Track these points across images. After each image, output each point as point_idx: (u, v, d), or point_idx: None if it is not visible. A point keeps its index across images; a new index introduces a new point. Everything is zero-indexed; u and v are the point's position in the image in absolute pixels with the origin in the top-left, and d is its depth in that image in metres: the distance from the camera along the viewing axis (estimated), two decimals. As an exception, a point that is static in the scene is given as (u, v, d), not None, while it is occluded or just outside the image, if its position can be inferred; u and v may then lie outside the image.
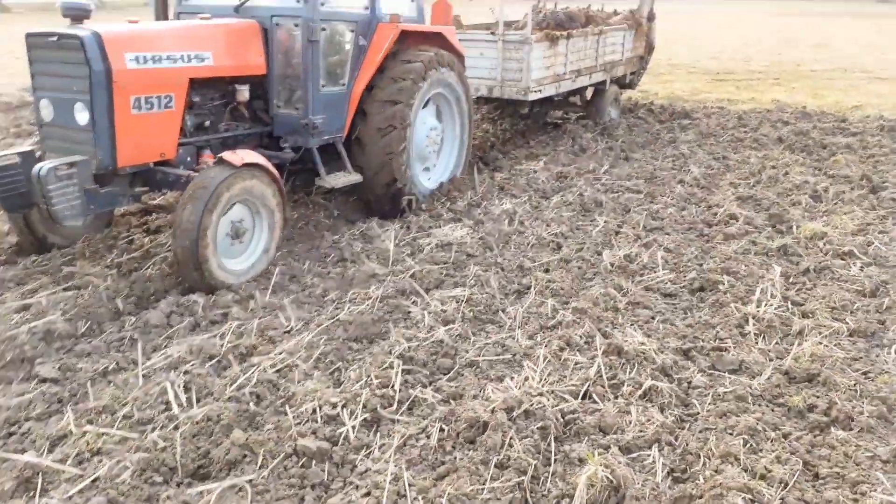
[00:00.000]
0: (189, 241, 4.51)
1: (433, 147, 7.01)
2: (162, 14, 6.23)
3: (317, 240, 5.95)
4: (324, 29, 5.65)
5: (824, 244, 5.77)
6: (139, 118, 4.78)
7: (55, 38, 4.64)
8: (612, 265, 5.30)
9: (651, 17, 12.00)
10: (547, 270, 5.29)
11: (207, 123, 5.52)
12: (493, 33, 8.81)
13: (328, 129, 5.87)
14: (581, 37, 9.79)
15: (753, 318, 4.46)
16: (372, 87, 6.19)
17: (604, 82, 10.76)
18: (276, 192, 5.08)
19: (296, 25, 5.54)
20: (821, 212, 6.83)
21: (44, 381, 3.74)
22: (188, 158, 5.28)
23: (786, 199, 7.26)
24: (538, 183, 7.72)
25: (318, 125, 5.66)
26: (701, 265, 5.34)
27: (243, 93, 5.58)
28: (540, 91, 9.04)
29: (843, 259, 5.50)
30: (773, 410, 3.54)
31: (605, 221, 6.42)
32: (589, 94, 11.14)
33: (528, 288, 4.98)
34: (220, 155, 4.89)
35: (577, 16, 11.39)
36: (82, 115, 4.61)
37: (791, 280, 5.13)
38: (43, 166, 4.35)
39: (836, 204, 7.15)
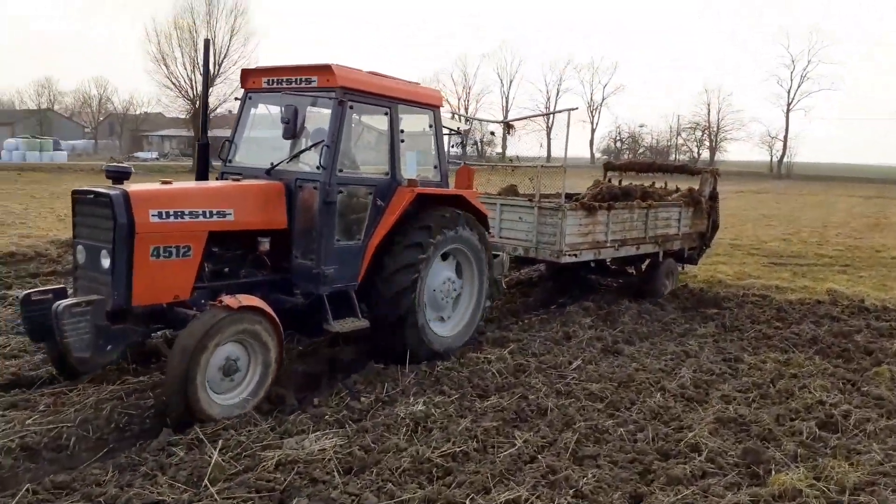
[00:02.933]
0: (176, 382, 4.91)
1: (449, 297, 7.34)
2: (202, 175, 6.88)
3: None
4: (341, 192, 6.29)
5: (795, 509, 4.16)
6: (156, 264, 5.37)
7: (92, 196, 5.41)
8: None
9: (713, 196, 11.97)
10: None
11: (226, 270, 6.20)
12: (530, 201, 9.55)
13: (339, 278, 6.36)
14: (625, 209, 10.19)
15: None
16: (389, 242, 6.66)
17: (656, 254, 10.89)
18: (273, 334, 5.42)
19: (315, 188, 6.14)
20: (821, 451, 5.16)
21: None
22: (203, 300, 5.68)
23: (784, 425, 5.65)
24: (485, 378, 6.48)
25: (328, 274, 6.20)
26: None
27: (265, 244, 6.16)
28: (576, 256, 9.48)
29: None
30: None
31: (526, 440, 5.06)
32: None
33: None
34: (221, 298, 5.27)
35: (633, 190, 11.72)
36: (105, 261, 5.24)
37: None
38: (61, 303, 4.96)
39: (851, 437, 5.47)
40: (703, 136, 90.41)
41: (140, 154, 71.41)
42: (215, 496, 3.96)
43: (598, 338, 8.06)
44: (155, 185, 5.82)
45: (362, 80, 6.56)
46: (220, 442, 4.72)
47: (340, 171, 6.29)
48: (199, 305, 5.65)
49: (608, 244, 9.94)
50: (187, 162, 52.77)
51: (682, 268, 12.18)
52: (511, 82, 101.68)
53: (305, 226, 6.26)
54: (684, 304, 10.42)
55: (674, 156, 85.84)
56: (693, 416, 5.75)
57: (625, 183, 12.55)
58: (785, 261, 16.20)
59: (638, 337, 8.42)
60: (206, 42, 7.61)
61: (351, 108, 6.42)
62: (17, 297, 8.46)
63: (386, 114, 6.80)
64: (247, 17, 52.07)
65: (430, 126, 7.38)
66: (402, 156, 6.87)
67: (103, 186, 5.46)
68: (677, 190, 12.11)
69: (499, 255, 8.81)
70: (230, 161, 6.99)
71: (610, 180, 12.78)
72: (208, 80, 7.72)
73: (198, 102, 51.04)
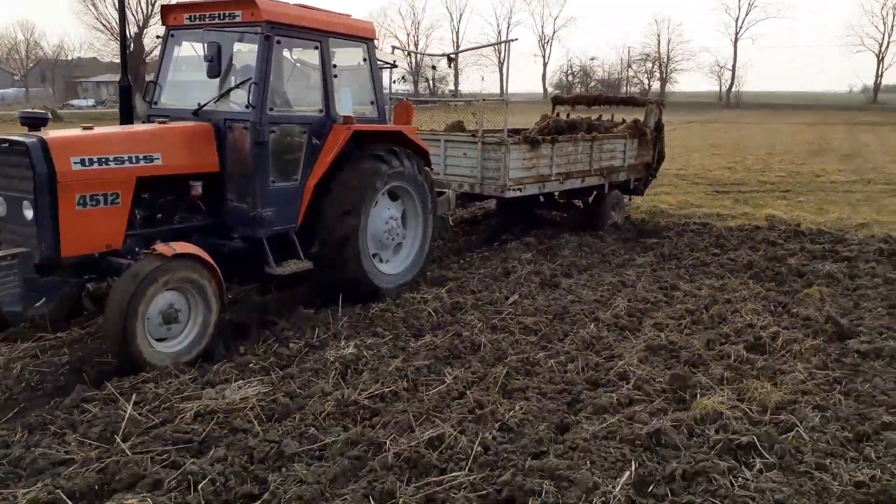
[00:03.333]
0: (115, 332, 4.89)
1: (393, 235, 7.32)
2: (126, 119, 6.73)
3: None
4: (273, 131, 6.13)
5: (716, 430, 4.20)
6: (83, 213, 5.22)
7: (7, 145, 5.19)
8: (398, 456, 3.83)
9: (659, 128, 11.97)
10: (307, 463, 3.88)
11: (159, 216, 6.02)
12: (474, 136, 9.56)
13: (278, 221, 6.28)
14: (570, 142, 10.20)
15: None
16: (327, 181, 6.53)
17: (602, 186, 10.92)
18: (212, 281, 5.38)
19: (245, 128, 5.97)
20: (748, 373, 5.24)
21: None
22: (136, 249, 5.60)
23: (713, 350, 5.72)
24: (420, 317, 6.39)
25: (266, 217, 6.10)
26: (525, 462, 3.81)
27: (197, 188, 5.98)
28: (520, 190, 9.49)
29: (734, 458, 3.91)
30: None
31: (456, 377, 5.01)
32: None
33: (266, 488, 3.56)
34: (152, 246, 5.23)
35: (579, 123, 11.76)
36: (28, 212, 5.09)
37: (643, 491, 3.58)
38: None
39: (778, 358, 5.57)
40: (653, 67, 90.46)
41: (75, 101, 68.17)
42: (127, 451, 3.81)
43: (537, 272, 8.02)
44: (75, 131, 5.65)
45: (289, 12, 6.32)
46: (137, 395, 4.55)
47: (271, 109, 6.13)
48: (133, 254, 5.53)
49: (553, 178, 9.97)
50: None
51: (629, 199, 12.28)
52: (461, 16, 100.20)
53: (238, 168, 6.11)
54: (625, 235, 10.46)
55: (625, 88, 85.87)
56: (624, 345, 5.77)
57: (573, 116, 12.59)
58: (728, 188, 16.40)
59: (577, 269, 8.42)
60: None
61: (278, 42, 6.23)
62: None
63: (316, 48, 6.57)
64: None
65: (365, 60, 7.14)
66: (336, 92, 6.69)
67: (18, 134, 5.23)
68: (623, 122, 12.05)
69: (444, 193, 8.81)
70: (156, 103, 6.74)
71: (558, 114, 12.67)
72: (125, 16, 7.33)
73: (131, 45, 48.74)
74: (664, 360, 5.46)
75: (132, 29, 48.15)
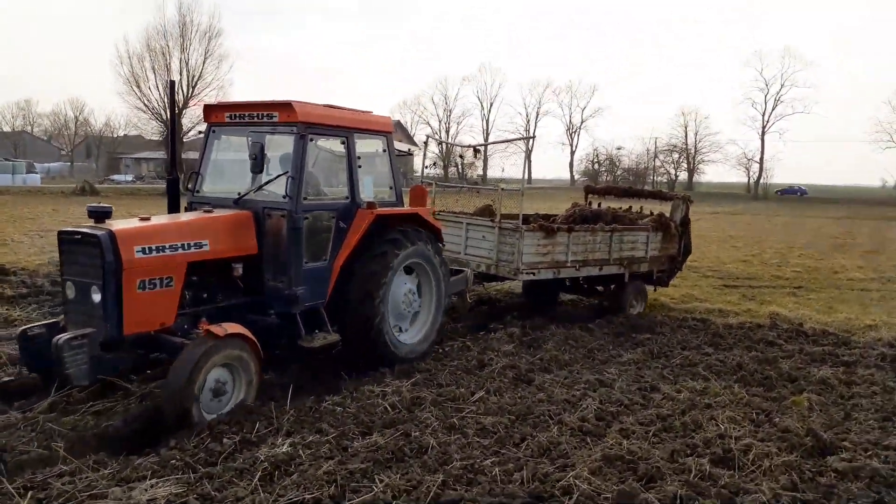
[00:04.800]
0: (175, 405, 5.42)
1: (411, 307, 7.94)
2: (174, 208, 7.28)
3: None
4: (307, 218, 6.78)
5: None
6: (143, 296, 5.82)
7: (80, 236, 5.81)
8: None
9: (685, 222, 12.25)
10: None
11: (205, 296, 6.67)
12: (492, 221, 10.16)
13: (310, 298, 6.87)
14: (587, 232, 10.63)
15: None
16: (353, 260, 7.15)
17: (622, 276, 11.18)
18: (254, 357, 5.94)
19: (282, 216, 6.61)
20: (706, 490, 4.82)
21: None
22: (185, 326, 6.24)
23: (676, 462, 5.31)
24: (373, 413, 6.09)
25: (299, 295, 6.70)
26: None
27: (238, 269, 6.65)
28: (533, 273, 9.99)
29: None
30: None
31: (387, 484, 4.67)
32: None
33: None
34: (206, 327, 5.76)
35: (604, 214, 12.16)
36: (96, 296, 5.66)
37: None
38: (61, 337, 5.40)
39: (745, 475, 5.14)
40: (679, 158, 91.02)
41: (116, 177, 70.84)
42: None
43: (513, 366, 7.71)
44: (134, 222, 6.23)
45: (320, 113, 7.05)
46: (43, 493, 4.31)
47: (305, 198, 6.79)
48: (183, 331, 6.20)
49: (569, 264, 10.36)
50: (162, 185, 52.34)
51: (654, 289, 12.40)
52: (491, 105, 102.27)
53: (275, 250, 6.73)
54: (617, 329, 10.10)
55: (651, 178, 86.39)
56: (581, 454, 5.39)
57: (604, 206, 13.04)
58: (739, 283, 15.99)
59: (557, 364, 8.08)
60: (171, 84, 8.47)
61: (311, 140, 6.94)
62: None
63: (343, 142, 7.31)
64: (220, 40, 51.86)
65: (384, 150, 7.91)
66: (360, 180, 7.36)
67: (88, 226, 5.85)
68: (650, 214, 12.30)
69: (464, 272, 9.73)
70: (198, 191, 7.40)
71: (590, 203, 13.30)
72: (175, 121, 7.86)
73: (170, 124, 50.81)
74: (619, 473, 5.06)
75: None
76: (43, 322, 6.41)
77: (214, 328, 5.73)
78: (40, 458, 4.84)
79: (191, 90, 51.30)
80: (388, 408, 6.24)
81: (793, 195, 77.92)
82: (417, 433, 5.65)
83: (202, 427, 5.45)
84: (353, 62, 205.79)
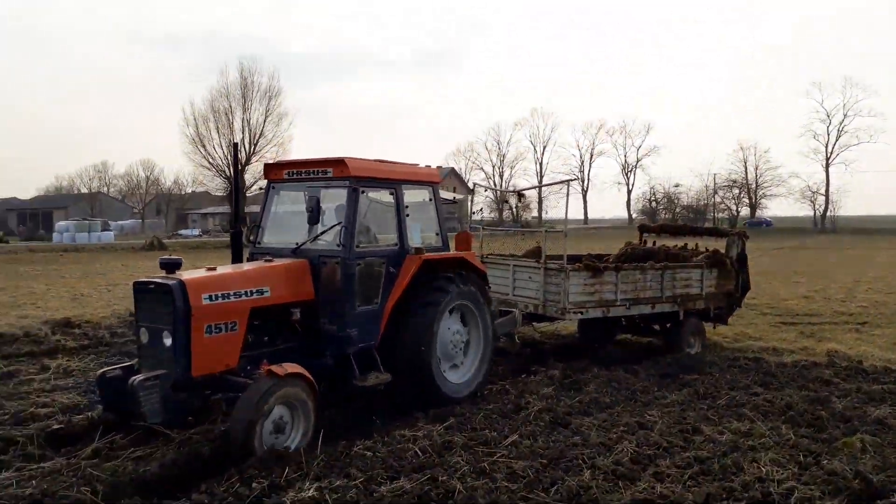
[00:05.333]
0: (240, 443, 5.78)
1: (458, 347, 8.23)
2: (237, 258, 7.81)
3: None
4: (359, 264, 7.25)
5: None
6: (210, 340, 6.26)
7: (153, 286, 6.29)
8: None
9: (742, 259, 12.12)
10: None
11: (266, 339, 7.08)
12: (538, 262, 10.37)
13: (362, 339, 7.27)
14: (636, 270, 10.67)
15: None
16: (403, 304, 7.54)
17: (676, 314, 11.12)
18: (311, 395, 6.30)
19: (336, 263, 7.08)
20: (739, 536, 4.63)
21: None
22: (248, 367, 6.64)
23: (710, 507, 5.11)
24: (403, 458, 6.10)
25: (353, 336, 7.12)
26: None
27: (296, 314, 7.08)
28: (580, 313, 10.13)
29: None
30: None
31: (409, 529, 4.66)
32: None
33: None
34: (269, 367, 6.11)
35: (656, 252, 12.35)
36: (168, 340, 6.12)
37: None
38: (136, 379, 5.88)
39: (784, 521, 4.91)
40: (740, 193, 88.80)
41: (183, 231, 73.85)
42: None
43: (550, 409, 7.60)
44: (202, 272, 6.67)
45: (371, 167, 7.59)
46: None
47: (357, 246, 7.24)
48: (246, 372, 6.59)
49: (618, 303, 10.40)
50: (226, 238, 54.22)
51: (714, 326, 12.33)
52: (544, 148, 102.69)
53: (330, 296, 7.13)
54: (663, 371, 9.83)
55: (712, 214, 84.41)
56: (612, 498, 5.26)
57: (659, 244, 13.16)
58: (798, 319, 15.41)
59: (597, 407, 7.92)
60: (235, 146, 9.61)
61: (363, 192, 7.41)
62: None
63: (392, 193, 7.77)
64: (279, 100, 53.92)
65: (430, 199, 8.40)
66: (408, 228, 7.79)
67: (160, 277, 6.35)
68: (706, 251, 12.21)
69: (511, 312, 10.01)
70: (259, 243, 7.99)
71: (644, 242, 13.45)
72: (238, 180, 8.38)
73: (233, 181, 52.79)
74: (648, 519, 4.92)
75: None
76: (119, 364, 6.90)
77: (276, 368, 6.09)
78: (79, 502, 5.02)
79: (252, 147, 53.30)
80: (419, 452, 6.23)
81: (758, 227, 74.19)
82: (445, 477, 5.61)
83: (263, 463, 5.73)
84: (407, 111, 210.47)
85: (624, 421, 7.29)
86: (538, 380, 8.91)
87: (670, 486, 5.48)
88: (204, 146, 52.48)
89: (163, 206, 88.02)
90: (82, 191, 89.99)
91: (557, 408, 7.69)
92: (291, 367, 6.24)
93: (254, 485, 5.40)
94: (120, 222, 76.14)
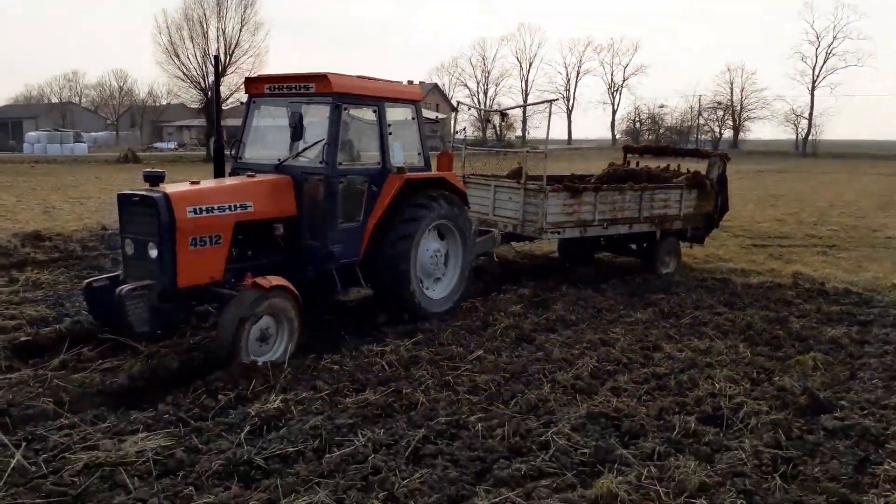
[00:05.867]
0: (226, 345, 6.02)
1: (438, 265, 8.47)
2: (219, 173, 7.73)
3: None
4: (341, 182, 7.27)
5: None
6: (195, 252, 6.34)
7: (137, 198, 6.29)
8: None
9: (722, 180, 12.17)
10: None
11: (250, 253, 7.20)
12: (518, 182, 10.35)
13: (345, 256, 7.44)
14: (615, 191, 10.71)
15: None
16: (384, 221, 7.64)
17: (652, 234, 11.22)
18: (296, 307, 6.51)
19: (319, 180, 7.09)
20: (690, 447, 4.83)
21: None
22: (233, 279, 6.72)
23: (662, 420, 5.31)
24: (370, 371, 6.23)
25: (335, 253, 7.27)
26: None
27: (279, 229, 7.18)
28: (558, 233, 10.25)
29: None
30: None
31: (370, 438, 4.79)
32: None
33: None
34: (254, 279, 6.31)
35: (638, 173, 12.24)
36: (153, 252, 6.19)
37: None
38: (123, 288, 5.94)
39: (732, 433, 5.13)
40: (724, 115, 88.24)
41: (159, 144, 72.15)
42: (-11, 503, 3.80)
43: (516, 326, 7.75)
44: (186, 185, 6.67)
45: (354, 84, 7.47)
46: (39, 444, 4.57)
47: (340, 164, 7.27)
48: (231, 285, 6.66)
49: (595, 223, 10.49)
50: (202, 152, 53.12)
51: (691, 246, 12.57)
52: (530, 65, 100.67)
53: (313, 212, 7.23)
54: (632, 290, 10.01)
55: (695, 136, 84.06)
56: (567, 411, 5.43)
57: (642, 165, 13.12)
58: (769, 242, 15.64)
59: (563, 325, 8.08)
60: (216, 58, 9.65)
61: (345, 109, 7.34)
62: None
63: (374, 111, 7.69)
64: (255, 9, 51.78)
65: (413, 118, 8.25)
66: (391, 146, 7.73)
67: (145, 189, 6.34)
68: (688, 172, 12.24)
69: (491, 232, 10.19)
70: (240, 157, 7.94)
71: (628, 162, 13.42)
72: (218, 92, 8.08)
73: (209, 93, 51.32)
74: (600, 430, 5.10)
75: (210, 78, 50.55)
76: (106, 275, 6.95)
77: (261, 280, 6.29)
78: (44, 413, 5.10)
79: (228, 58, 51.51)
80: (385, 366, 6.36)
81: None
82: (409, 390, 5.76)
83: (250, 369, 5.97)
84: (390, 26, 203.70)
85: (587, 338, 7.46)
86: (507, 298, 9.02)
87: (626, 401, 5.66)
88: (178, 56, 50.66)
89: (137, 118, 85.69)
90: (53, 100, 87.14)
91: (524, 325, 7.83)
92: (276, 280, 6.41)
93: (220, 396, 5.52)
94: (93, 134, 74.10)
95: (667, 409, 5.51)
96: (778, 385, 6.04)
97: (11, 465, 4.19)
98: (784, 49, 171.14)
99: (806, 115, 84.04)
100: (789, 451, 4.82)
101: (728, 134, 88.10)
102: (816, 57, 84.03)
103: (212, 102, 49.74)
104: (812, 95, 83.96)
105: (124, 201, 6.46)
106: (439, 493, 4.13)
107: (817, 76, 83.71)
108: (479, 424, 5.13)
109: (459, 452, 4.69)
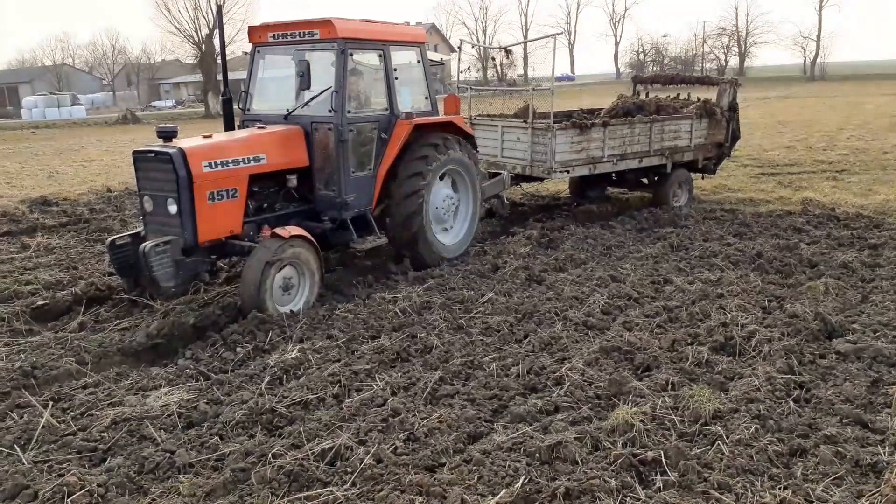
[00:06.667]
0: (253, 291, 6.13)
1: (450, 211, 8.42)
2: (229, 126, 7.75)
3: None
4: (351, 130, 7.21)
5: (623, 444, 3.92)
6: (213, 206, 6.38)
7: (153, 154, 6.28)
8: (280, 469, 3.76)
9: (732, 107, 11.91)
10: (195, 474, 3.86)
11: (265, 205, 7.23)
12: (525, 122, 10.07)
13: (358, 205, 7.45)
14: (624, 125, 10.47)
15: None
16: (395, 168, 7.61)
17: (663, 166, 11.04)
18: (315, 257, 6.63)
19: (329, 129, 7.06)
20: (702, 377, 4.90)
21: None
22: (251, 232, 6.80)
23: (675, 351, 5.37)
24: (384, 318, 6.29)
25: (349, 202, 7.27)
26: (409, 477, 3.67)
27: (292, 180, 7.22)
28: (567, 172, 10.08)
29: (633, 475, 3.64)
30: None
31: (388, 381, 4.88)
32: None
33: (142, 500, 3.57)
34: (273, 230, 6.41)
35: (647, 105, 11.95)
36: (172, 207, 6.21)
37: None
38: (147, 244, 6.02)
39: (744, 361, 5.18)
40: (729, 42, 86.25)
41: (157, 103, 71.46)
42: (23, 460, 3.91)
43: (526, 267, 7.75)
44: (199, 140, 6.66)
45: (359, 28, 7.38)
46: (66, 402, 4.68)
47: (349, 112, 7.19)
48: (249, 238, 6.73)
49: (605, 159, 10.30)
50: (201, 108, 52.60)
51: (703, 177, 12.47)
52: (529, 0, 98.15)
53: (325, 162, 7.25)
54: (640, 225, 10.00)
55: (700, 65, 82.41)
56: (580, 347, 5.50)
57: (652, 95, 12.85)
58: (777, 170, 15.47)
59: (572, 263, 8.10)
60: (219, 8, 8.86)
61: (351, 55, 7.25)
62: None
63: (380, 56, 7.57)
64: (245, -45, 50.41)
65: (418, 61, 8.11)
66: (398, 91, 7.65)
67: (159, 145, 6.32)
68: (697, 100, 11.97)
69: (500, 174, 10.06)
70: (248, 109, 7.84)
71: (637, 94, 13.04)
72: (224, 43, 7.88)
73: (203, 47, 50.54)
74: (614, 364, 5.17)
75: (203, 31, 49.71)
76: (128, 233, 7.01)
77: (279, 231, 6.36)
78: (68, 373, 5.21)
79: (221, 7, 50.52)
80: (399, 312, 6.42)
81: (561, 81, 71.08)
82: (423, 335, 5.83)
83: (274, 317, 6.12)
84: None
85: (597, 275, 7.48)
86: (516, 240, 9.01)
87: (638, 334, 5.71)
88: (168, 10, 49.72)
89: (133, 78, 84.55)
90: (46, 63, 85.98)
91: (533, 266, 7.85)
92: (294, 230, 6.48)
93: (238, 349, 5.61)
94: (90, 96, 73.38)
95: (679, 340, 5.57)
96: (790, 312, 6.06)
97: (41, 424, 4.30)
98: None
99: (813, 37, 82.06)
100: (802, 376, 4.88)
101: (734, 61, 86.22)
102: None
103: (207, 56, 49.21)
104: (819, 16, 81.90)
105: (140, 158, 6.46)
106: (458, 430, 4.22)
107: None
108: (494, 364, 5.21)
109: (475, 392, 4.78)
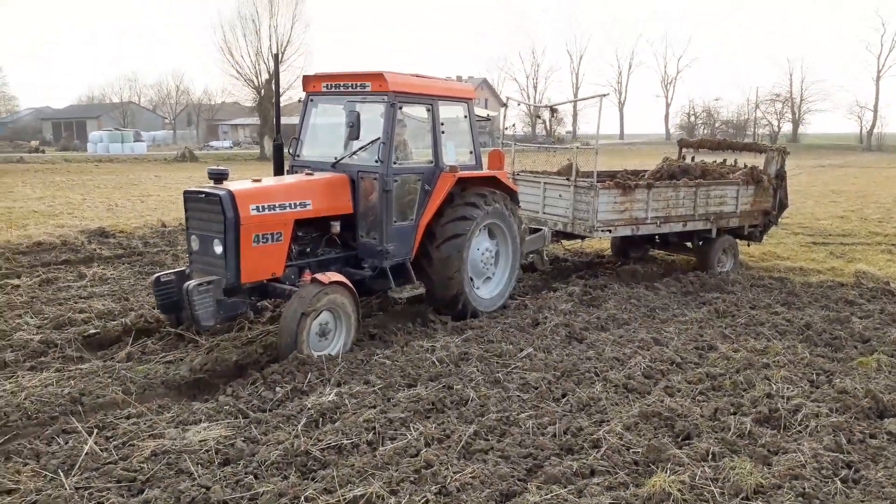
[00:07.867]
0: (289, 339, 6.20)
1: (489, 264, 8.52)
2: (279, 171, 8.05)
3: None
4: (396, 180, 7.36)
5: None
6: (258, 249, 6.55)
7: (203, 195, 6.51)
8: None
9: (780, 175, 11.90)
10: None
11: (308, 250, 7.38)
12: (568, 180, 10.17)
13: (398, 254, 7.58)
14: (669, 188, 10.49)
15: None
16: (436, 219, 7.78)
17: (709, 231, 11.04)
18: (353, 303, 6.69)
19: (375, 179, 7.24)
20: (745, 448, 4.76)
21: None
22: (293, 276, 6.97)
23: (717, 420, 5.24)
24: (421, 366, 6.30)
25: (390, 250, 7.40)
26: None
27: (336, 227, 7.37)
28: (609, 231, 10.07)
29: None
30: None
31: (422, 432, 4.87)
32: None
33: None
34: (314, 276, 6.54)
35: (693, 168, 11.95)
36: (218, 248, 6.40)
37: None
38: (190, 283, 6.16)
39: (789, 434, 5.03)
40: (783, 108, 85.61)
41: (214, 143, 73.96)
42: (65, 485, 4.00)
43: (567, 324, 7.71)
44: (248, 183, 6.90)
45: (409, 83, 7.58)
46: (109, 431, 4.79)
47: (395, 163, 7.37)
48: (291, 281, 6.90)
49: (648, 221, 10.28)
50: (256, 150, 54.25)
51: (748, 245, 12.32)
52: (581, 59, 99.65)
53: (368, 210, 7.43)
54: (686, 289, 9.87)
55: (752, 130, 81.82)
56: (620, 410, 5.41)
57: (698, 160, 12.87)
58: (830, 240, 15.15)
59: (615, 323, 8.02)
60: (276, 56, 9.16)
61: (400, 108, 7.48)
62: (14, 286, 8.95)
63: (428, 109, 7.80)
64: (305, 6, 52.70)
65: (465, 116, 8.33)
66: (444, 145, 7.82)
67: (210, 187, 6.59)
68: (744, 166, 11.98)
69: (541, 230, 10.20)
70: (298, 155, 8.13)
71: (684, 157, 13.12)
72: (279, 90, 8.24)
73: (262, 91, 52.45)
74: (653, 429, 5.06)
75: (263, 77, 51.62)
76: (173, 270, 7.22)
77: (320, 276, 6.48)
78: (113, 402, 5.35)
79: (281, 55, 52.49)
80: (436, 362, 6.43)
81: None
82: (460, 386, 5.82)
83: (312, 362, 6.16)
84: (437, 24, 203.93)
85: (640, 337, 7.38)
86: (558, 296, 8.99)
87: (679, 401, 5.60)
88: (232, 55, 51.84)
89: (193, 117, 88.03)
90: (114, 101, 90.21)
91: (574, 323, 7.79)
92: (334, 276, 6.61)
93: (277, 389, 5.68)
94: (152, 133, 76.48)
95: (721, 409, 5.43)
96: (839, 387, 5.88)
97: (84, 451, 4.41)
98: (846, 37, 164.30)
99: (870, 106, 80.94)
100: (851, 455, 4.70)
101: (787, 127, 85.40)
102: (882, 45, 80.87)
103: (265, 100, 51.02)
104: (877, 86, 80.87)
105: (190, 198, 6.69)
106: (490, 487, 4.18)
107: (882, 65, 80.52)
108: (530, 421, 5.16)
109: (510, 448, 4.73)
